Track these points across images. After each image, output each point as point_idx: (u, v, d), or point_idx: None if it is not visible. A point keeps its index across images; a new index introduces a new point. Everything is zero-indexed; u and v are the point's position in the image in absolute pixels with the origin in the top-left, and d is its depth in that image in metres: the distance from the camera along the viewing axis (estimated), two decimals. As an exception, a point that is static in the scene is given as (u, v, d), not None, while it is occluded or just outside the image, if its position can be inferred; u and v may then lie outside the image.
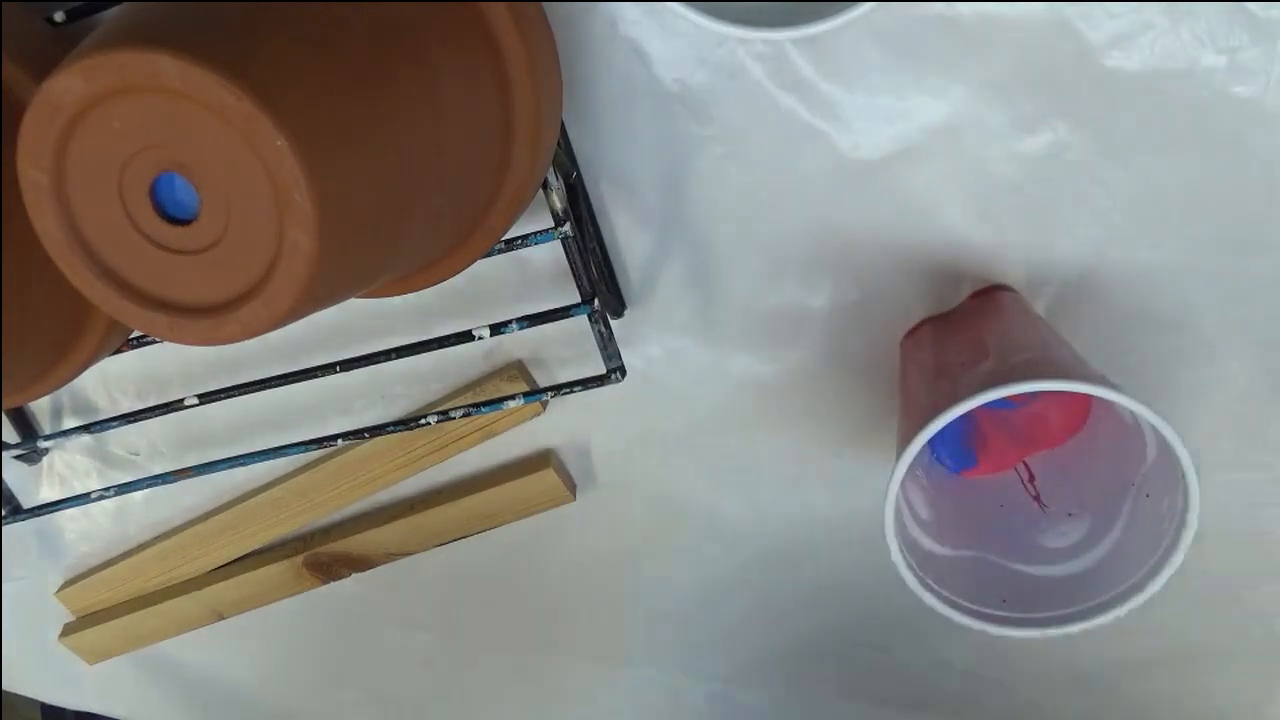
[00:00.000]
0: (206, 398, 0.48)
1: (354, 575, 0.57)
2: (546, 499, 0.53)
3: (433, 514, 0.54)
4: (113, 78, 0.26)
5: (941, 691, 0.56)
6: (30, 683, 0.66)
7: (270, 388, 0.47)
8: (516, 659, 0.59)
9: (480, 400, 0.48)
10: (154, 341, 0.47)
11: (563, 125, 0.41)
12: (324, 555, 0.56)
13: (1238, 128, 0.39)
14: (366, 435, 0.49)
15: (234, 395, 0.48)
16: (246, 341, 0.29)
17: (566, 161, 0.43)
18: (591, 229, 0.45)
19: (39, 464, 0.57)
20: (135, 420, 0.50)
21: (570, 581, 0.56)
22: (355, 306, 0.39)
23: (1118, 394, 0.34)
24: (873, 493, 0.38)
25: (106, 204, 0.29)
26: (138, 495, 0.57)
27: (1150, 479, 0.39)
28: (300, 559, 0.56)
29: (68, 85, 0.27)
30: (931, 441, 0.36)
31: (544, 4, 0.37)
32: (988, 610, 0.39)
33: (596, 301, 0.44)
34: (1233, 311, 0.43)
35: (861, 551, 0.51)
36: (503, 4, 0.34)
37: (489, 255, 0.39)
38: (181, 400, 0.49)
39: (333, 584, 0.58)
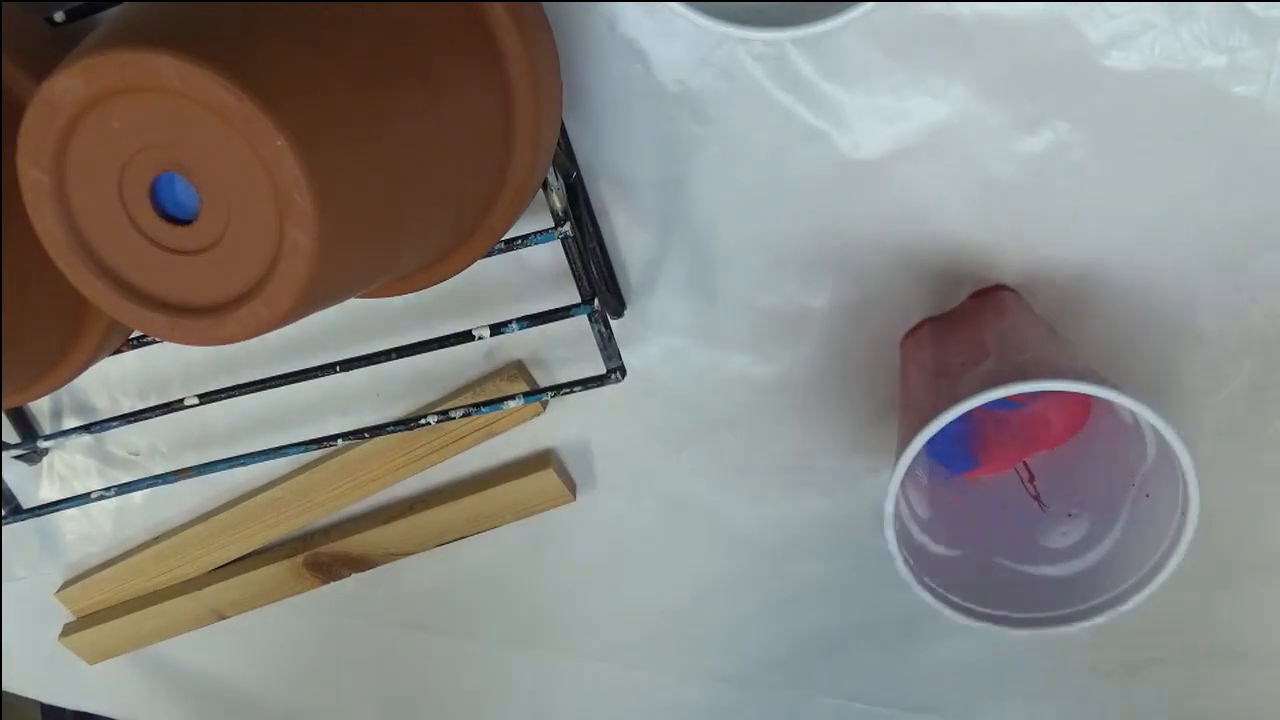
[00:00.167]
0: (206, 398, 0.48)
1: (354, 575, 0.57)
2: (546, 499, 0.53)
3: (433, 514, 0.54)
4: (113, 78, 0.26)
5: (941, 692, 0.56)
6: (30, 683, 0.66)
7: (270, 388, 0.47)
8: (516, 659, 0.59)
9: (480, 400, 0.48)
10: (154, 341, 0.47)
11: (563, 125, 0.41)
12: (324, 555, 0.56)
13: (1238, 128, 0.39)
14: (366, 435, 0.49)
15: (234, 395, 0.48)
16: (246, 341, 0.29)
17: (566, 161, 0.43)
18: (591, 229, 0.45)
19: (39, 464, 0.57)
20: (135, 420, 0.50)
21: (570, 581, 0.56)
22: (355, 306, 0.39)
23: (1118, 394, 0.34)
24: (873, 493, 0.38)
25: (106, 204, 0.29)
26: (138, 495, 0.57)
27: (1150, 479, 0.39)
28: (300, 559, 0.56)
29: (68, 85, 0.27)
30: (931, 441, 0.36)
31: (544, 4, 0.37)
32: (988, 610, 0.39)
33: (596, 301, 0.44)
34: (1233, 311, 0.43)
35: (861, 551, 0.51)
36: (502, 4, 0.34)
37: (489, 255, 0.39)
38: (181, 400, 0.49)
39: (333, 584, 0.58)
